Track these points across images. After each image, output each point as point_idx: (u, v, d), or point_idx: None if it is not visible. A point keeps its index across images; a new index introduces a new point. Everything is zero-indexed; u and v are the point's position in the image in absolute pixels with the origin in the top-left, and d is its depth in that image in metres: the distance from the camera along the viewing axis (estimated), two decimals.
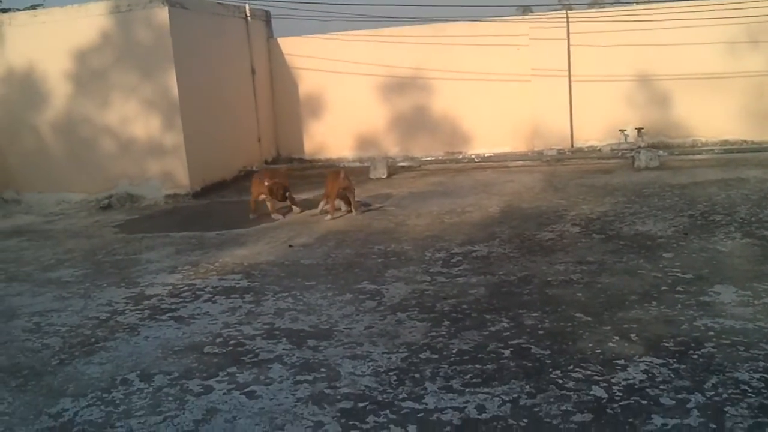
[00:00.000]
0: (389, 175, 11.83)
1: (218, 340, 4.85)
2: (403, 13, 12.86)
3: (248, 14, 13.17)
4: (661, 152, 10.97)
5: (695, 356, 3.99)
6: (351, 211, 8.89)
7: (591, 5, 29.73)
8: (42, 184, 11.79)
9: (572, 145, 12.39)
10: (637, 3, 12.83)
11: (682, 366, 3.88)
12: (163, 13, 10.88)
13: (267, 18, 13.92)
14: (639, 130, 11.76)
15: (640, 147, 11.32)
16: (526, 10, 36.06)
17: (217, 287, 6.17)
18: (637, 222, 7.29)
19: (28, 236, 9.43)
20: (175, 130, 11.11)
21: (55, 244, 8.75)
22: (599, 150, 11.95)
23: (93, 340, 5.09)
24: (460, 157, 12.65)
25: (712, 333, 4.29)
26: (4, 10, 12.57)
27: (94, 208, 11.10)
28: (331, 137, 13.67)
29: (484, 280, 5.73)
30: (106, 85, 11.26)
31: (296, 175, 12.11)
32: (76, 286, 6.67)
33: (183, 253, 7.64)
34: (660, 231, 6.84)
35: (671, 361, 3.95)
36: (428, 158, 12.66)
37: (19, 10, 12.58)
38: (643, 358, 4.00)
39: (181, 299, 5.90)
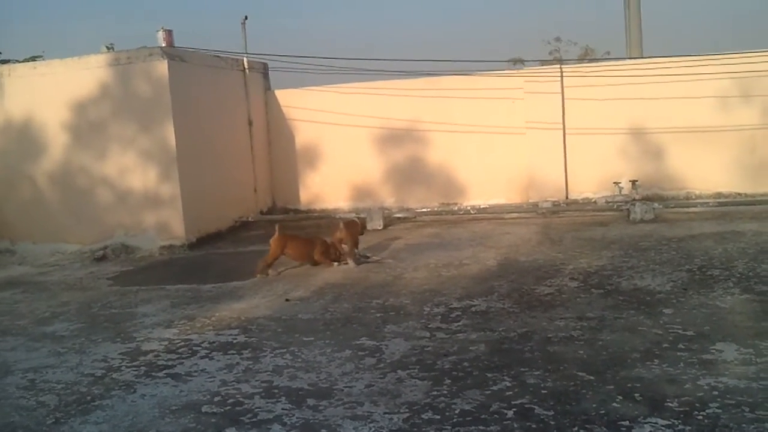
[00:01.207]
0: (385, 226, 11.85)
1: (216, 399, 4.78)
2: (398, 66, 13.02)
3: (246, 67, 13.31)
4: (656, 205, 11.03)
5: (700, 417, 3.95)
6: (346, 263, 8.93)
7: (582, 59, 30.28)
8: (37, 235, 11.77)
9: (567, 197, 12.44)
10: (630, 57, 13.02)
11: (688, 427, 3.83)
12: (162, 66, 10.98)
13: (264, 70, 14.06)
14: (633, 182, 11.84)
15: (634, 199, 11.39)
16: (517, 62, 36.46)
17: (213, 342, 6.11)
18: (635, 276, 7.29)
19: (23, 288, 9.35)
20: (172, 181, 11.13)
21: (50, 297, 8.68)
22: (594, 202, 12.01)
23: (89, 398, 5.02)
24: (456, 208, 12.69)
25: (716, 392, 4.26)
26: (4, 62, 12.68)
27: (88, 259, 11.04)
28: (327, 188, 13.71)
29: (484, 336, 5.69)
30: (104, 136, 11.32)
31: (291, 225, 12.10)
32: (71, 340, 6.59)
33: (179, 307, 7.58)
34: (659, 286, 6.84)
35: (676, 422, 3.90)
36: (424, 209, 12.69)
37: (18, 61, 12.69)
38: (648, 419, 3.96)
39: (177, 355, 5.84)
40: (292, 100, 13.92)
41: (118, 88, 11.21)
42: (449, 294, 7.15)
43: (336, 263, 9.05)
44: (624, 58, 13.40)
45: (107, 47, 12.18)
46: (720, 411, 4.01)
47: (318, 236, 9.55)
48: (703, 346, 5.07)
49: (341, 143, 13.54)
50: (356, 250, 9.21)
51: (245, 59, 13.29)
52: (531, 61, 32.53)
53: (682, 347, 5.09)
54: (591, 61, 15.44)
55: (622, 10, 15.44)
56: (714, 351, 4.97)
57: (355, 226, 9.53)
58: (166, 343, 6.23)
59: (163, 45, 11.47)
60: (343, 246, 9.04)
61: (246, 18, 13.31)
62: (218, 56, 12.66)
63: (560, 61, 15.59)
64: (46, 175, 11.70)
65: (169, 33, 11.61)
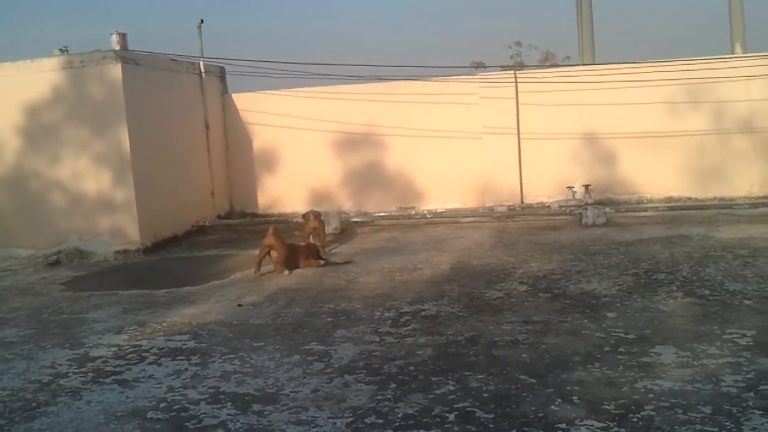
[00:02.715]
0: (342, 230, 11.90)
1: (162, 405, 4.79)
2: (357, 71, 13.07)
3: (203, 70, 13.26)
4: (607, 209, 11.25)
5: (635, 419, 4.06)
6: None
7: (542, 64, 30.64)
8: None
9: (522, 201, 12.60)
10: (582, 64, 13.24)
11: (622, 429, 3.94)
12: (116, 70, 10.91)
13: (221, 74, 14.02)
14: (586, 186, 12.04)
15: (587, 204, 11.58)
16: (479, 66, 36.86)
17: (163, 348, 6.10)
18: (582, 281, 7.43)
19: None
20: (127, 185, 11.06)
21: (0, 302, 8.57)
22: (548, 206, 12.19)
23: (34, 404, 4.99)
24: (413, 212, 12.78)
25: (651, 395, 4.38)
26: None
27: (41, 264, 10.91)
28: (285, 192, 13.70)
29: (432, 341, 5.76)
30: (58, 140, 11.19)
31: (249, 229, 12.11)
32: (20, 346, 6.53)
33: (130, 313, 7.55)
34: (605, 290, 6.98)
35: (611, 424, 4.01)
36: (381, 213, 12.76)
37: None
38: (585, 422, 4.06)
39: (126, 361, 5.82)
40: (250, 104, 13.90)
41: (72, 91, 11.10)
42: (401, 298, 7.23)
43: (321, 261, 9.24)
44: (576, 65, 13.60)
45: (61, 50, 12.03)
46: (654, 413, 4.12)
47: (300, 242, 9.73)
48: (642, 349, 5.20)
49: (299, 147, 13.56)
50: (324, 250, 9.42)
51: (201, 63, 13.23)
52: (492, 67, 32.78)
53: (623, 350, 5.21)
54: (548, 67, 15.59)
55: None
56: (653, 354, 5.10)
57: (319, 217, 10.21)
58: (115, 349, 6.21)
59: (117, 48, 11.39)
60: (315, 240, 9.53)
61: (202, 22, 13.25)
62: (174, 59, 12.59)
63: (517, 67, 15.81)
64: None
65: (123, 36, 11.54)
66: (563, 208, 11.81)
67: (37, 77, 11.19)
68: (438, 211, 12.58)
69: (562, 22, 42.15)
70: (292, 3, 50.58)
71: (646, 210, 11.53)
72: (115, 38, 11.54)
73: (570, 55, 31.07)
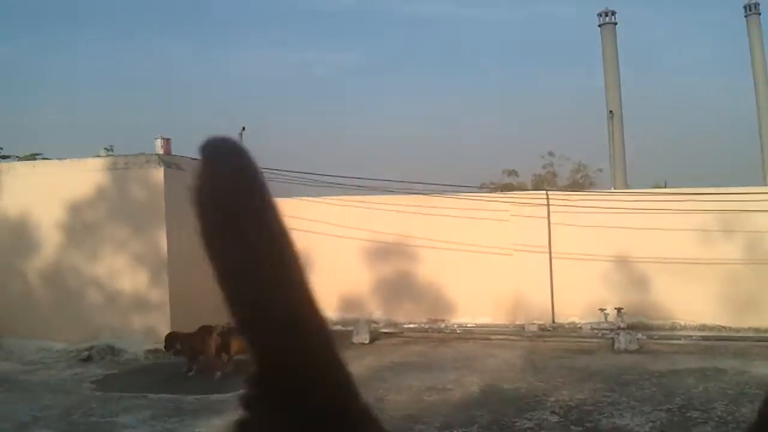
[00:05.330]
0: (371, 340, 11.90)
1: None
2: (393, 185, 13.38)
3: None
4: (640, 335, 11.14)
5: None
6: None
7: (574, 183, 30.95)
8: (24, 330, 11.72)
9: (553, 320, 12.57)
10: (615, 191, 13.43)
11: None
12: (158, 173, 11.29)
13: None
14: (619, 310, 11.96)
15: (620, 327, 11.50)
16: (512, 173, 37.04)
17: None
18: (615, 414, 7.35)
19: (5, 387, 9.31)
20: (162, 286, 11.26)
21: (32, 399, 8.64)
22: (580, 328, 12.09)
23: None
24: (443, 325, 12.75)
25: None
26: (4, 157, 12.99)
27: (74, 359, 11.00)
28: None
29: None
30: (97, 237, 11.50)
31: None
32: None
33: (159, 419, 7.57)
34: (638, 426, 6.90)
35: None
36: (411, 325, 12.78)
37: (19, 157, 12.98)
38: None
39: None
40: (285, 209, 13.89)
41: (114, 191, 11.48)
42: (430, 423, 7.19)
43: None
44: (609, 191, 13.79)
45: (106, 149, 12.50)
46: None
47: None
48: None
49: (331, 253, 13.69)
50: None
51: None
52: (523, 175, 33.08)
53: None
54: (580, 191, 15.76)
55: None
56: None
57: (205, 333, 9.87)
58: None
59: (161, 152, 11.79)
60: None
61: (243, 129, 13.75)
62: None
63: (549, 179, 16.01)
64: (37, 272, 11.81)
65: (167, 141, 11.97)
66: (595, 331, 11.72)
67: (82, 176, 11.61)
68: (468, 325, 12.55)
69: (594, 132, 42.87)
70: (327, 110, 52.09)
71: (679, 338, 11.39)
72: (159, 142, 11.97)
73: (602, 167, 31.47)
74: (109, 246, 11.46)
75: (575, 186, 33.73)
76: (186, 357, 9.97)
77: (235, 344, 9.12)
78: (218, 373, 9.42)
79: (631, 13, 56.02)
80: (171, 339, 10.18)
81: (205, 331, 9.73)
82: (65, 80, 52.99)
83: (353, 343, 11.71)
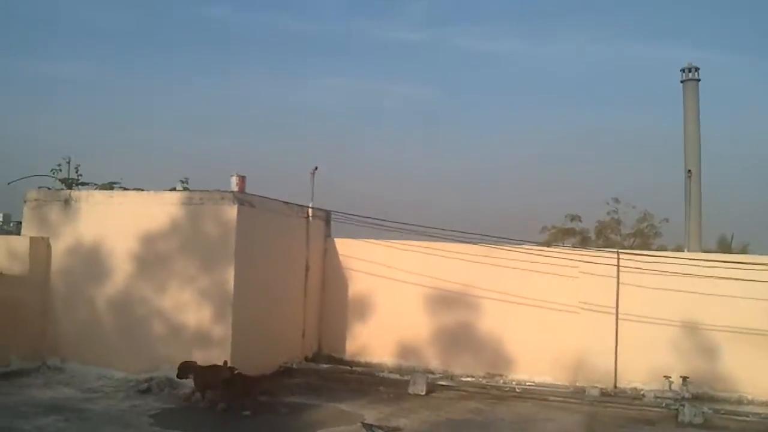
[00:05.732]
0: (428, 392, 11.76)
1: None
2: (457, 235, 13.30)
3: (310, 214, 13.76)
4: (705, 408, 10.73)
5: None
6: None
7: (639, 222, 30.31)
8: (87, 356, 12.00)
9: (615, 384, 12.24)
10: (689, 251, 13.09)
11: None
12: (232, 211, 11.46)
13: (327, 218, 14.52)
14: (684, 378, 11.59)
15: (684, 398, 11.15)
16: (575, 218, 36.45)
17: None
18: None
19: (66, 415, 9.45)
20: (225, 322, 11.38)
21: (91, 429, 8.77)
22: (643, 395, 11.69)
23: None
24: (501, 381, 12.55)
25: None
26: (83, 184, 13.34)
27: (132, 389, 11.13)
28: (373, 340, 13.76)
29: None
30: (167, 270, 11.70)
31: (334, 377, 12.13)
32: None
33: None
34: None
35: None
36: (468, 378, 12.62)
37: (97, 185, 13.31)
38: None
39: None
40: (351, 250, 14.25)
41: (187, 225, 11.69)
42: None
43: None
44: (680, 254, 13.39)
45: (182, 182, 12.72)
46: None
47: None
48: None
49: (392, 297, 13.70)
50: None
51: (310, 208, 13.75)
52: (587, 220, 32.54)
53: None
54: (652, 254, 15.39)
55: (682, 182, 15.60)
56: None
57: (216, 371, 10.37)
58: None
59: (236, 190, 11.97)
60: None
61: (316, 168, 13.87)
62: (286, 203, 13.13)
63: (613, 228, 15.69)
64: (105, 300, 12.05)
65: (242, 179, 12.14)
66: (658, 399, 11.36)
67: (158, 209, 11.87)
68: (527, 384, 12.29)
69: (662, 183, 42.13)
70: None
71: (747, 415, 10.91)
72: (234, 180, 12.15)
73: (669, 217, 30.63)
74: (178, 279, 11.64)
75: (640, 235, 33.29)
76: (196, 387, 10.45)
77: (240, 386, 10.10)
78: (221, 405, 10.12)
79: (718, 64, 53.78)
80: (184, 368, 10.62)
81: (216, 368, 10.36)
82: (146, 106, 54.69)
83: (409, 394, 11.62)
